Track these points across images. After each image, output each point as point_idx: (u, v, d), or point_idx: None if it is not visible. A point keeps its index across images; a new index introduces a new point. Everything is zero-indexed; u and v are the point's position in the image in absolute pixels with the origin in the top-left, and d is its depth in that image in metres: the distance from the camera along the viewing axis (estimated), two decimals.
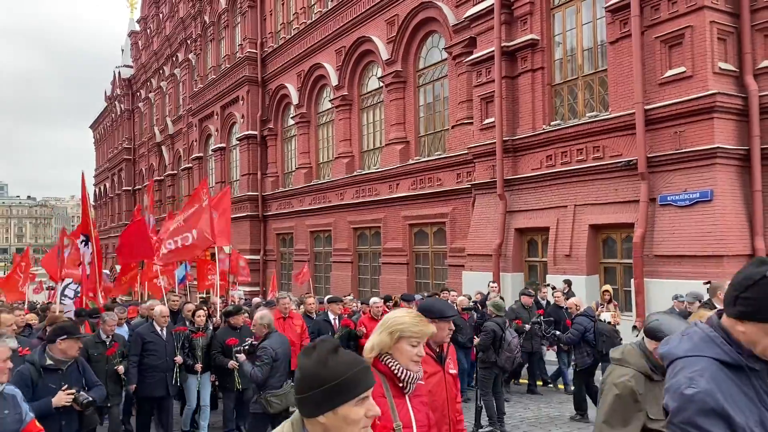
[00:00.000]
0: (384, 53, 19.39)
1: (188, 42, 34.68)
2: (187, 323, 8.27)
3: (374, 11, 19.90)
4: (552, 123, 13.67)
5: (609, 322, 8.58)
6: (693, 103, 10.80)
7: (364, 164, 21.29)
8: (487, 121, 14.92)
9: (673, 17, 11.19)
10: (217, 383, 8.00)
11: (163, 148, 38.86)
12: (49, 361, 4.50)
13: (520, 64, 14.31)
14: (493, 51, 14.42)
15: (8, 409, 2.91)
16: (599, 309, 9.86)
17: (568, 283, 11.65)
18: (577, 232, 12.79)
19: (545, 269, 13.64)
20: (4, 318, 5.23)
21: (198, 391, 7.75)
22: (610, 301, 9.98)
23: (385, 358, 2.53)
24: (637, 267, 11.42)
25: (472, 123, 15.84)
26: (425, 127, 18.72)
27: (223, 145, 29.49)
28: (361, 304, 10.07)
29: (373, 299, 8.79)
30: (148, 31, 43.60)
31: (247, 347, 6.36)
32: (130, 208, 40.76)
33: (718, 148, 10.62)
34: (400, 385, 2.52)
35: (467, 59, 15.56)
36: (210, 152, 31.32)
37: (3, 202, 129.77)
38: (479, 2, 15.11)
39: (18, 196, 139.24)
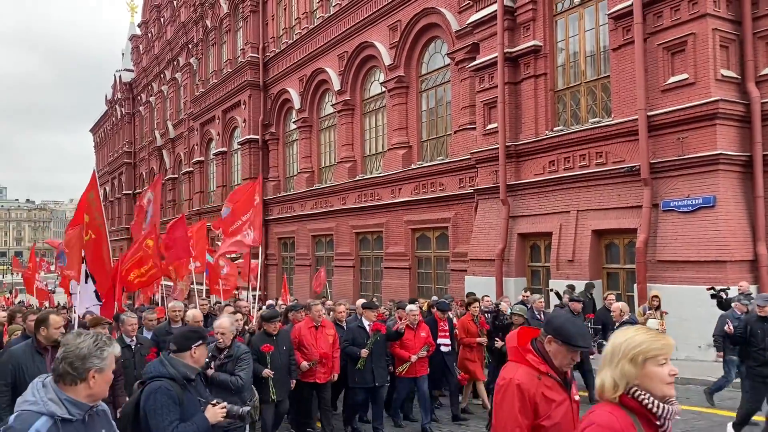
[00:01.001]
0: (386, 58, 19.48)
1: (189, 46, 34.77)
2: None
3: (377, 17, 20.00)
4: (555, 129, 13.76)
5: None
6: (695, 109, 10.89)
7: (366, 169, 21.35)
8: (489, 126, 14.99)
9: (676, 24, 11.29)
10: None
11: (164, 151, 38.91)
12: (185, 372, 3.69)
13: (523, 69, 14.40)
14: (496, 57, 14.51)
15: (104, 427, 2.53)
16: (645, 315, 9.54)
17: (572, 288, 11.70)
18: (580, 237, 12.86)
19: (548, 274, 13.70)
20: (53, 320, 4.83)
21: None
22: (658, 308, 9.53)
23: (634, 392, 2.09)
24: (640, 272, 11.49)
25: (474, 128, 15.92)
26: (427, 132, 18.80)
27: (224, 149, 29.55)
28: (398, 309, 9.44)
29: (410, 306, 8.29)
30: (149, 35, 43.69)
31: (216, 359, 5.35)
32: (131, 212, 40.76)
33: (720, 154, 10.70)
34: (657, 423, 2.10)
35: (470, 65, 15.65)
36: (211, 156, 31.39)
37: (2, 206, 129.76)
38: (482, 8, 15.20)
39: (17, 199, 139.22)
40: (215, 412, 3.56)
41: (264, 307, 12.04)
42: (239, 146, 27.95)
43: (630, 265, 12.12)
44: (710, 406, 8.27)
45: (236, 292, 15.34)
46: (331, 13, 22.30)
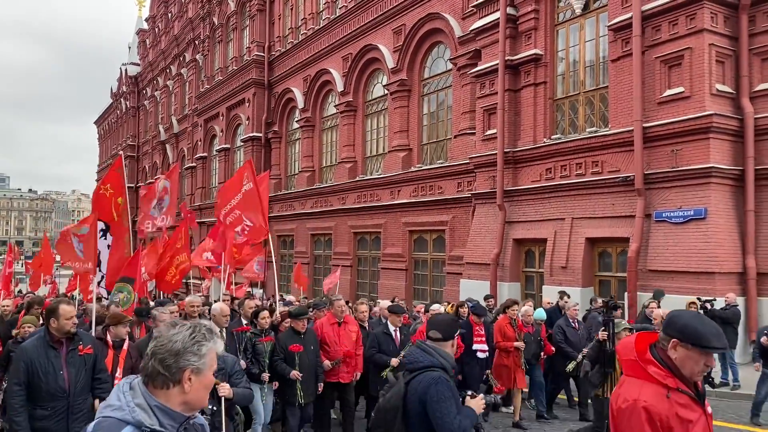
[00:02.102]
0: (390, 61, 19.69)
1: (196, 42, 35.02)
2: (244, 323, 7.14)
3: (381, 20, 20.21)
4: (552, 136, 13.95)
5: None
6: (690, 122, 11.08)
7: (367, 170, 21.56)
8: (489, 132, 15.19)
9: (674, 38, 11.48)
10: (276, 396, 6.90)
11: (168, 146, 39.16)
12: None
13: (523, 77, 14.60)
14: (497, 64, 14.71)
15: None
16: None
17: (566, 294, 11.85)
18: (574, 244, 13.05)
19: (542, 280, 13.89)
20: (64, 310, 4.38)
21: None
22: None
23: None
24: (630, 281, 11.68)
25: (474, 133, 16.12)
26: (428, 135, 19.01)
27: (227, 145, 29.79)
28: (425, 312, 9.00)
29: (435, 305, 7.82)
30: (156, 30, 43.96)
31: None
32: (133, 204, 40.98)
33: (713, 167, 10.89)
34: None
35: (471, 71, 15.85)
36: (214, 152, 31.62)
37: (4, 195, 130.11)
38: (485, 15, 15.41)
39: (19, 189, 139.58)
40: (478, 404, 3.47)
41: (279, 303, 11.70)
42: (242, 143, 28.19)
43: (622, 274, 12.30)
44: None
45: (249, 290, 15.36)
46: (337, 14, 22.53)
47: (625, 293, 11.87)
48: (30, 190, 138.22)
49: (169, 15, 41.09)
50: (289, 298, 14.69)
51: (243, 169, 9.54)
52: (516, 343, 7.94)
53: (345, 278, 21.80)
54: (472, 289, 14.51)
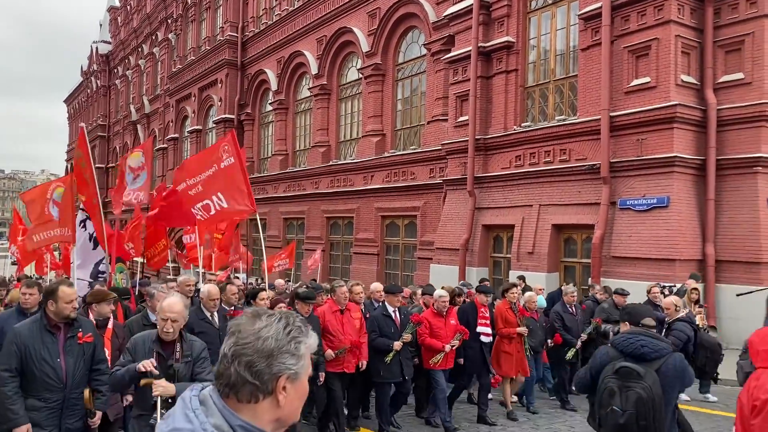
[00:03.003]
0: (364, 45, 19.60)
1: (169, 21, 34.36)
2: (226, 309, 6.59)
3: (356, 3, 20.07)
4: (523, 124, 14.09)
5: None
6: (655, 112, 11.29)
7: (340, 154, 21.52)
8: (461, 118, 15.27)
9: (642, 29, 11.64)
10: None
11: (139, 126, 38.52)
12: None
13: (496, 64, 14.68)
14: (470, 51, 14.75)
15: None
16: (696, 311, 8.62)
17: (522, 279, 12.06)
18: (541, 230, 13.25)
19: (509, 265, 14.09)
20: (63, 292, 4.01)
21: None
22: (697, 302, 8.79)
23: None
24: (594, 267, 11.92)
25: (446, 120, 16.18)
26: (402, 121, 19.02)
27: (199, 127, 29.42)
28: (422, 295, 8.62)
29: (439, 291, 7.39)
30: (128, 7, 42.96)
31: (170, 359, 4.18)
32: (103, 186, 40.33)
33: (676, 156, 11.13)
34: None
35: (445, 57, 15.87)
36: (186, 133, 31.21)
37: None
38: (458, 2, 15.42)
39: None
40: None
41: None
42: (214, 125, 27.86)
43: (586, 260, 12.55)
44: None
45: (230, 274, 14.90)
46: None
47: (589, 279, 12.12)
48: None
49: None
50: (278, 282, 13.93)
51: (222, 142, 8.52)
52: (519, 329, 7.53)
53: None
54: (442, 273, 14.67)
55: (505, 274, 14.14)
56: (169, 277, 9.83)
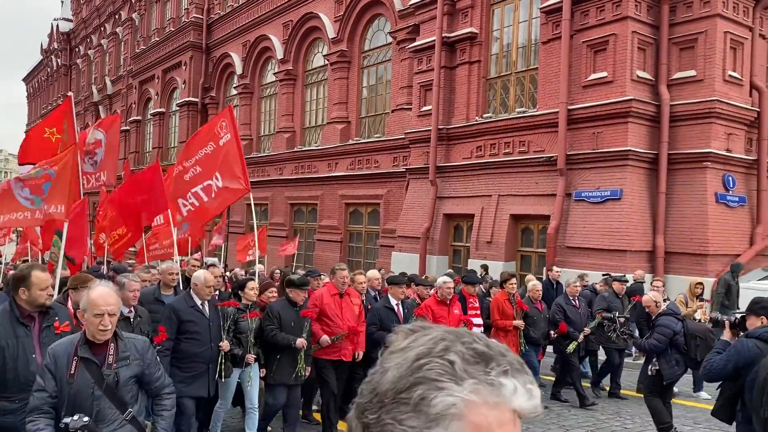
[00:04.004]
0: (330, 31, 19.49)
1: (132, 1, 33.54)
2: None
3: None
4: (484, 115, 14.24)
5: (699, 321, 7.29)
6: (611, 107, 11.55)
7: (305, 141, 21.42)
8: (424, 108, 15.36)
9: (600, 24, 11.87)
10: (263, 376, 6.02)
11: (101, 108, 37.62)
12: None
13: (459, 55, 14.78)
14: (434, 40, 14.81)
15: None
16: (692, 306, 8.58)
17: (485, 268, 12.28)
18: (499, 220, 13.47)
19: (468, 254, 14.30)
20: (37, 277, 3.55)
21: (236, 390, 5.90)
22: (700, 296, 8.56)
23: None
24: (549, 256, 12.18)
25: (410, 109, 16.24)
26: (367, 108, 19.02)
27: (162, 110, 28.89)
28: (417, 286, 8.15)
29: (443, 278, 6.98)
30: None
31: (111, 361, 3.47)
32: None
33: (630, 150, 11.42)
34: None
35: (410, 46, 15.91)
36: (149, 116, 30.63)
37: None
38: None
39: None
40: None
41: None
42: (178, 108, 27.40)
43: (542, 250, 12.81)
44: None
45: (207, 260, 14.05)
46: None
47: (544, 268, 12.39)
48: None
49: None
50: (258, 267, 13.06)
51: (220, 118, 7.92)
52: (515, 322, 7.26)
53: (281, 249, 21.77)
54: (403, 261, 14.80)
55: (465, 263, 14.33)
56: (150, 264, 9.01)
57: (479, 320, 7.15)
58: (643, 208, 11.70)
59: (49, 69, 48.88)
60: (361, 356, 6.35)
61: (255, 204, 23.80)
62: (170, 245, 11.12)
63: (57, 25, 46.30)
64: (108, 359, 3.07)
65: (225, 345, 5.40)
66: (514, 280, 7.57)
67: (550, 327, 7.83)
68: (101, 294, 3.09)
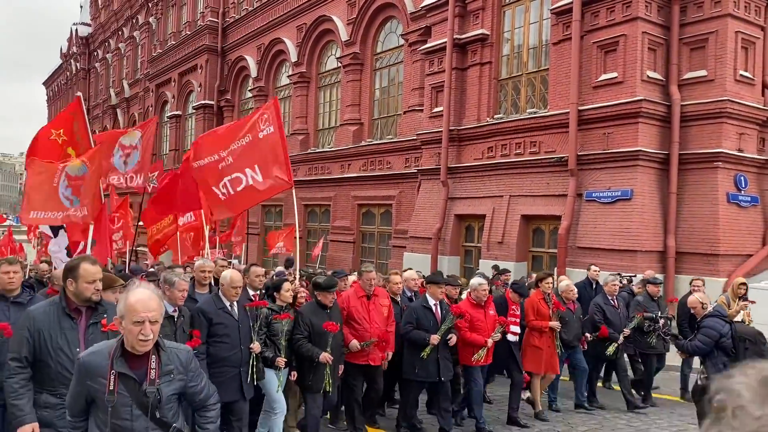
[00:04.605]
0: (343, 34, 19.66)
1: (149, 5, 34.00)
2: (251, 293, 6.03)
3: None
4: (495, 116, 14.31)
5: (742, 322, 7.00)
6: (621, 107, 11.57)
7: (319, 143, 21.62)
8: (436, 109, 15.46)
9: (610, 25, 11.89)
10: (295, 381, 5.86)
11: (118, 111, 38.19)
12: None
13: (470, 56, 14.86)
14: (445, 42, 14.91)
15: None
16: (736, 308, 8.04)
17: (496, 268, 12.34)
18: (510, 221, 13.52)
19: (480, 255, 14.36)
20: (85, 270, 3.43)
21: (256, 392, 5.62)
22: (744, 297, 8.11)
23: None
24: (560, 257, 12.22)
25: (422, 110, 16.35)
26: (379, 110, 19.16)
27: (179, 112, 29.27)
28: (427, 283, 7.26)
29: (477, 279, 6.72)
30: None
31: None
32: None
33: (640, 150, 11.42)
34: None
35: (421, 48, 16.02)
36: (165, 119, 31.02)
37: None
38: None
39: None
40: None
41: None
42: (194, 111, 27.75)
43: (553, 250, 12.84)
44: None
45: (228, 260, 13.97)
46: None
47: (555, 268, 12.42)
48: None
49: None
50: (279, 269, 12.89)
51: (262, 110, 7.75)
52: (551, 323, 6.96)
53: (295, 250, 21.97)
54: (415, 262, 14.87)
55: (476, 263, 14.40)
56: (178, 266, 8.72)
57: (517, 328, 6.85)
58: (653, 208, 11.70)
59: (68, 73, 49.68)
60: (390, 357, 6.18)
61: (270, 205, 24.13)
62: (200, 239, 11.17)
63: (76, 30, 47.08)
64: (150, 374, 2.68)
65: (256, 347, 5.21)
66: (550, 280, 7.30)
67: (587, 329, 7.50)
68: (140, 298, 2.65)
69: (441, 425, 6.23)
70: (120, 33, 39.22)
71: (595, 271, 9.22)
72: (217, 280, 6.33)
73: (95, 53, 44.45)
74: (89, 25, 46.39)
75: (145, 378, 2.69)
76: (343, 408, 6.54)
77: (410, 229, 16.09)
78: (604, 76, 11.96)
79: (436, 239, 14.99)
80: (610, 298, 7.77)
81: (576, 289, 7.69)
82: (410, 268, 7.19)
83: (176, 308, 4.79)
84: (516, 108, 14.11)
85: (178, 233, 11.32)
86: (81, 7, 49.77)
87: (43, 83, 60.11)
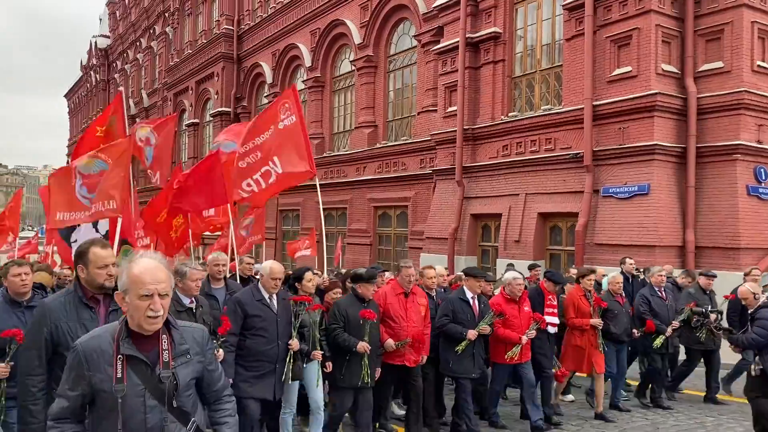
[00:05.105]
0: (356, 37, 19.75)
1: (166, 15, 34.50)
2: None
3: None
4: (510, 114, 14.25)
5: None
6: (636, 101, 11.45)
7: (334, 146, 21.71)
8: (450, 109, 15.44)
9: (623, 18, 11.79)
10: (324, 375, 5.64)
11: (138, 120, 38.71)
12: None
13: (483, 55, 14.83)
14: (458, 41, 14.90)
15: None
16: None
17: (511, 267, 12.24)
18: (527, 219, 13.43)
19: (497, 254, 14.29)
20: (95, 254, 3.14)
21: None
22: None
23: None
24: (578, 254, 12.11)
25: (436, 110, 16.35)
26: (394, 112, 19.20)
27: (196, 120, 29.62)
28: (467, 278, 6.85)
29: (512, 273, 6.48)
30: (126, 1, 43.10)
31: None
32: None
33: (656, 145, 11.30)
34: None
35: (434, 48, 16.03)
36: (184, 127, 31.39)
37: None
38: None
39: None
40: None
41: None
42: (211, 118, 28.05)
43: (571, 247, 12.72)
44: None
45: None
46: None
47: (573, 266, 12.30)
48: (0, 165, 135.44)
49: None
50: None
51: (282, 99, 7.52)
52: (593, 320, 6.69)
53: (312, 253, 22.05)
54: (431, 263, 14.78)
55: (493, 263, 14.34)
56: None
57: (555, 319, 6.62)
58: (672, 202, 11.55)
59: (88, 85, 50.53)
60: (425, 360, 5.96)
61: (287, 210, 24.24)
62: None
63: (95, 42, 47.91)
64: (163, 356, 2.32)
65: (294, 344, 4.97)
66: (592, 276, 6.96)
67: (634, 323, 7.27)
68: (147, 267, 2.31)
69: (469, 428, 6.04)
70: (138, 44, 39.83)
71: (631, 264, 8.89)
72: (243, 280, 6.36)
73: (114, 64, 45.18)
74: (108, 36, 47.19)
75: (157, 361, 2.31)
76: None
77: (426, 230, 16.07)
78: (618, 71, 11.86)
79: (452, 239, 14.95)
80: (657, 289, 7.49)
81: (622, 281, 7.39)
82: (431, 267, 6.84)
83: (192, 299, 4.59)
84: (530, 105, 14.05)
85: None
86: (100, 19, 50.65)
87: (65, 95, 61.21)
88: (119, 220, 5.87)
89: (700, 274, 8.10)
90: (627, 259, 9.04)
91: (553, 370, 6.69)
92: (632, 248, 11.42)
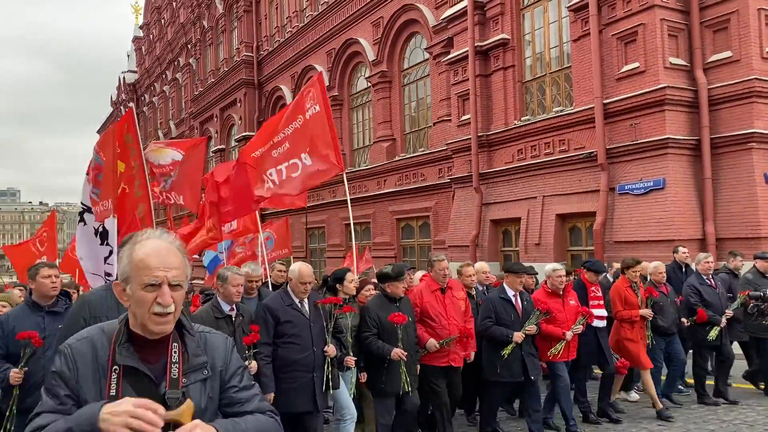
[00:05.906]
0: (370, 54, 20.13)
1: (189, 47, 35.61)
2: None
3: (361, 13, 20.65)
4: (522, 118, 14.34)
5: None
6: (646, 96, 11.44)
7: (355, 162, 22.03)
8: (463, 117, 15.60)
9: (628, 15, 11.83)
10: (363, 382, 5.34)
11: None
12: None
13: (493, 62, 14.99)
14: (467, 51, 15.10)
15: None
16: None
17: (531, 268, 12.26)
18: (546, 221, 13.44)
19: (518, 258, 14.29)
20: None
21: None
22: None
23: None
24: (597, 253, 12.05)
25: (450, 120, 16.52)
26: (410, 124, 19.45)
27: (222, 146, 30.36)
28: (506, 272, 6.46)
29: (552, 265, 6.17)
30: (151, 36, 44.62)
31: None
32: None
33: (669, 138, 11.25)
34: None
35: (445, 59, 16.25)
36: (211, 154, 32.17)
37: (15, 208, 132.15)
38: (455, 4, 15.81)
39: (30, 202, 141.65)
40: None
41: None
42: (236, 143, 28.73)
43: (591, 247, 12.67)
44: None
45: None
46: (319, 11, 22.98)
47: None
48: (41, 203, 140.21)
49: (162, 21, 41.70)
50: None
51: (308, 88, 7.19)
52: (642, 311, 6.37)
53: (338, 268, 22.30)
54: (454, 271, 14.91)
55: None
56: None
57: (602, 311, 6.23)
58: (689, 195, 11.45)
59: (118, 119, 52.13)
60: (472, 357, 5.62)
61: (313, 227, 24.52)
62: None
63: (124, 78, 49.60)
64: (171, 371, 1.67)
65: (331, 350, 4.63)
66: (638, 267, 6.54)
67: (682, 314, 6.95)
68: (156, 249, 1.69)
69: (530, 428, 5.68)
70: (164, 76, 41.10)
71: (684, 253, 8.35)
72: (275, 288, 6.13)
73: (142, 98, 46.65)
74: (135, 72, 48.79)
75: (163, 376, 1.67)
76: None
77: (447, 239, 16.16)
78: (626, 67, 11.88)
79: (473, 246, 15.01)
80: (705, 277, 7.06)
81: (665, 271, 7.01)
82: (469, 264, 6.52)
83: (233, 306, 4.37)
84: (542, 108, 14.12)
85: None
86: (128, 56, 52.46)
87: (98, 131, 63.24)
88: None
89: (756, 257, 7.57)
90: (680, 248, 8.58)
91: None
92: (652, 243, 11.34)
